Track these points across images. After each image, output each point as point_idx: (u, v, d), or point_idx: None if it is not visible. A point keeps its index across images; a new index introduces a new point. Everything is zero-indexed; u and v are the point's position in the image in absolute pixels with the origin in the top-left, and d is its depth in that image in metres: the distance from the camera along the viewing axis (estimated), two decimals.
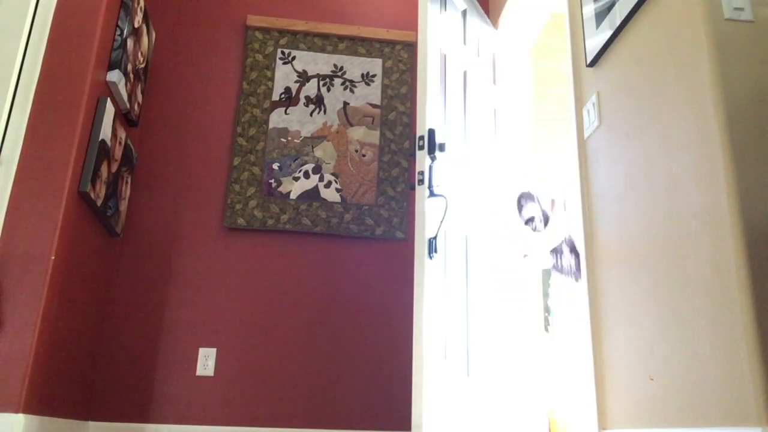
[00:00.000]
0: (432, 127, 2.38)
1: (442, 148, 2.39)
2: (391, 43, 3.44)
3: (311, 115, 3.27)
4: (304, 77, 3.33)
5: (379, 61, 3.41)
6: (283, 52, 3.37)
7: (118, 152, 2.70)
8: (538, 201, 2.61)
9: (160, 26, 3.28)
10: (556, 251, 2.57)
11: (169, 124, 3.19)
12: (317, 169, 3.19)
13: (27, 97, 2.23)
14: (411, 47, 3.43)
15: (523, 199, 2.64)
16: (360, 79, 3.37)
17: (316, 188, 3.15)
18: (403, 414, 2.76)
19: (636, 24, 1.86)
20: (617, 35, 1.95)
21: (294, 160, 3.18)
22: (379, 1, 3.56)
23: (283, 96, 3.29)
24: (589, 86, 2.18)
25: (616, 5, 1.93)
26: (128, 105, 2.77)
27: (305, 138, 3.23)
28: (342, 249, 3.10)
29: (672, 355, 1.55)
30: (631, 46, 1.88)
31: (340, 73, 3.37)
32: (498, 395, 2.67)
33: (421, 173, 2.33)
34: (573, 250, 2.53)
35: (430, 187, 2.32)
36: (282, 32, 3.40)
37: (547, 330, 3.23)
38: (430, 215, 2.30)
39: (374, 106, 3.33)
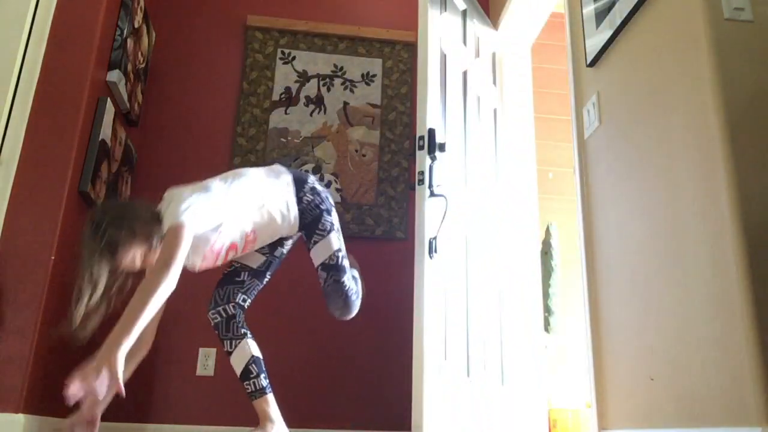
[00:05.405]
0: (432, 127, 2.38)
1: (442, 148, 2.38)
2: (391, 43, 3.44)
3: (311, 115, 3.27)
4: (304, 77, 3.33)
5: (379, 61, 3.41)
6: (283, 52, 3.36)
7: (118, 152, 2.70)
8: None
9: (160, 26, 3.28)
10: None
11: (169, 124, 3.19)
12: (317, 169, 3.18)
13: (27, 97, 2.23)
14: (411, 47, 3.42)
15: None
16: (360, 79, 3.37)
17: None
18: (403, 414, 2.75)
19: (636, 24, 1.86)
20: (617, 35, 1.95)
21: (294, 160, 3.18)
22: (379, 1, 3.55)
23: (283, 96, 3.28)
24: (589, 86, 2.18)
25: (616, 5, 1.93)
26: (128, 105, 2.77)
27: (305, 138, 3.23)
28: None
29: (672, 355, 1.55)
30: (631, 46, 1.89)
31: (340, 73, 3.37)
32: (498, 395, 2.67)
33: (421, 173, 2.33)
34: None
35: (430, 187, 2.32)
36: (282, 32, 3.40)
37: (547, 330, 3.22)
38: (430, 215, 2.30)
39: (374, 106, 3.33)
